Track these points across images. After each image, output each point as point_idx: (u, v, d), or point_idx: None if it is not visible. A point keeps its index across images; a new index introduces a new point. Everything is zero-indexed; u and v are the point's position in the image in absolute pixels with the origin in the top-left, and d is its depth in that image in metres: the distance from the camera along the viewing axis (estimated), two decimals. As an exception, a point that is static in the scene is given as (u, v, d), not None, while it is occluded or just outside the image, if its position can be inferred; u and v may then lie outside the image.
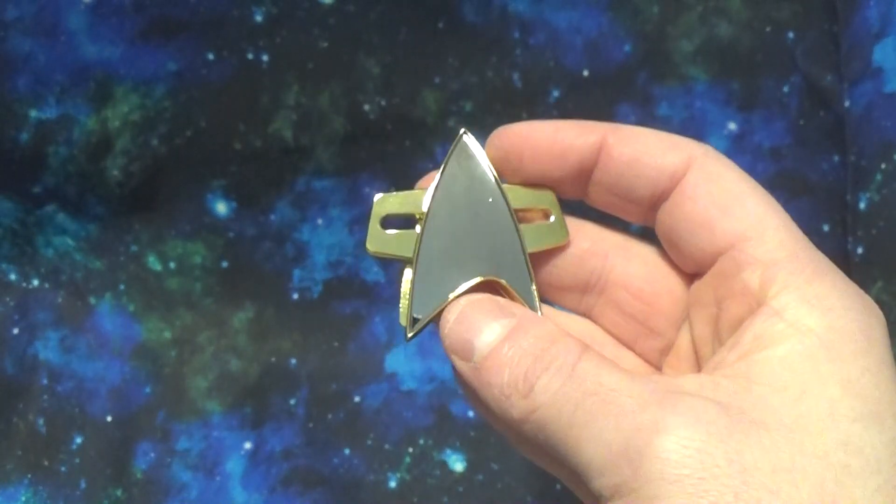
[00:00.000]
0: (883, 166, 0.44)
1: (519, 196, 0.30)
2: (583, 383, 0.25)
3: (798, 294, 0.27)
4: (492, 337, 0.27)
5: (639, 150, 0.29)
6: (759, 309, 0.27)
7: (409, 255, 0.30)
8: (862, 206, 0.45)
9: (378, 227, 0.30)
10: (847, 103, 0.47)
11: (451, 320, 0.28)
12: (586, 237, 0.31)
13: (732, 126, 0.48)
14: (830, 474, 0.24)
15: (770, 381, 0.25)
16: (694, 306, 0.30)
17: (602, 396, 0.25)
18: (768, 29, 0.48)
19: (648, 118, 0.48)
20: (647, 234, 0.31)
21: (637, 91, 0.48)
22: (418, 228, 0.30)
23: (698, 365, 0.30)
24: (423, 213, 0.30)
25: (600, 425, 0.25)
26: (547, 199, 0.31)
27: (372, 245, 0.30)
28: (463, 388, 0.29)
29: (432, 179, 0.30)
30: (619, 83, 0.48)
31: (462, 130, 0.30)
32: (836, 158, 0.48)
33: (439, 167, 0.30)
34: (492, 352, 0.27)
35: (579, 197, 0.31)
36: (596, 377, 0.26)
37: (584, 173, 0.30)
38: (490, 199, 0.30)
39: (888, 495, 0.24)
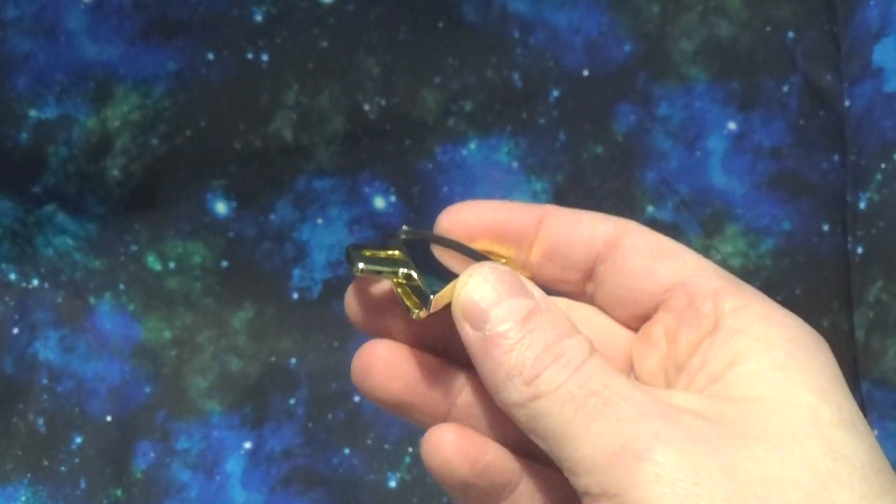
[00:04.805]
0: (883, 166, 0.44)
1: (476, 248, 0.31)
2: (588, 382, 0.26)
3: (752, 313, 0.27)
4: (509, 314, 0.27)
5: (576, 222, 0.31)
6: (717, 330, 0.28)
7: (400, 268, 0.29)
8: (862, 206, 0.45)
9: (360, 254, 0.30)
10: (847, 103, 0.47)
11: (469, 283, 0.28)
12: None
13: (732, 126, 0.48)
14: (818, 482, 0.24)
15: (748, 395, 0.26)
16: (641, 347, 0.31)
17: (605, 399, 0.25)
18: (768, 29, 0.48)
19: (648, 118, 0.48)
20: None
21: (637, 91, 0.48)
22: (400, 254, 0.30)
23: None
24: (397, 254, 0.30)
25: (600, 426, 0.25)
26: (501, 253, 0.32)
27: (361, 265, 0.30)
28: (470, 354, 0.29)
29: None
30: (619, 83, 0.48)
31: (402, 227, 0.31)
32: (836, 158, 0.48)
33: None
34: (505, 330, 0.27)
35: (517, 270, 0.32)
36: (601, 378, 0.26)
37: (525, 245, 0.31)
38: (451, 247, 0.31)
39: (874, 502, 0.24)
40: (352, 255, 0.29)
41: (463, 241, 0.31)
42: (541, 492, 0.29)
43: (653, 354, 0.30)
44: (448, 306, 0.28)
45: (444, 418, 0.30)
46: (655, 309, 0.30)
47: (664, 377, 0.30)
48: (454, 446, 0.29)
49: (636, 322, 0.31)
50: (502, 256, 0.31)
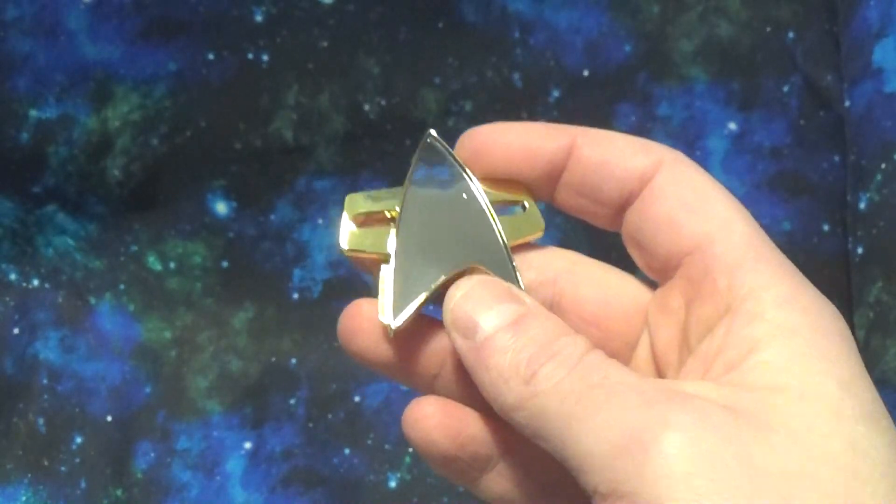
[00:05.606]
0: (883, 166, 0.44)
1: (492, 189, 0.30)
2: (588, 375, 0.25)
3: (772, 295, 0.26)
4: (499, 320, 0.26)
5: (608, 153, 0.29)
6: (735, 312, 0.26)
7: (385, 251, 0.29)
8: (862, 206, 0.45)
9: (350, 224, 0.30)
10: (847, 103, 0.47)
11: (458, 296, 0.27)
12: (530, 266, 0.30)
13: (732, 126, 0.48)
14: (840, 479, 0.23)
15: (766, 384, 0.24)
16: (658, 312, 0.29)
17: (607, 389, 0.24)
18: (768, 29, 0.48)
19: (648, 118, 0.48)
20: (592, 253, 0.31)
21: (637, 91, 0.48)
22: (392, 228, 0.29)
23: (661, 373, 0.29)
24: (395, 212, 0.29)
25: (603, 418, 0.24)
26: (520, 190, 0.30)
27: (345, 243, 0.29)
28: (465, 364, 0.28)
29: None
30: (619, 83, 0.48)
31: (429, 131, 0.30)
32: (836, 158, 0.48)
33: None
34: (497, 333, 0.26)
35: (546, 200, 0.30)
36: (601, 371, 0.25)
37: (553, 175, 0.29)
38: (464, 195, 0.29)
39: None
40: (342, 223, 0.29)
41: (485, 168, 0.29)
42: (525, 464, 0.28)
43: (670, 322, 0.28)
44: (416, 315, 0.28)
45: (431, 383, 0.30)
46: (676, 268, 0.28)
47: (678, 349, 0.28)
48: (435, 420, 0.28)
49: (658, 274, 0.29)
50: (521, 196, 0.30)
